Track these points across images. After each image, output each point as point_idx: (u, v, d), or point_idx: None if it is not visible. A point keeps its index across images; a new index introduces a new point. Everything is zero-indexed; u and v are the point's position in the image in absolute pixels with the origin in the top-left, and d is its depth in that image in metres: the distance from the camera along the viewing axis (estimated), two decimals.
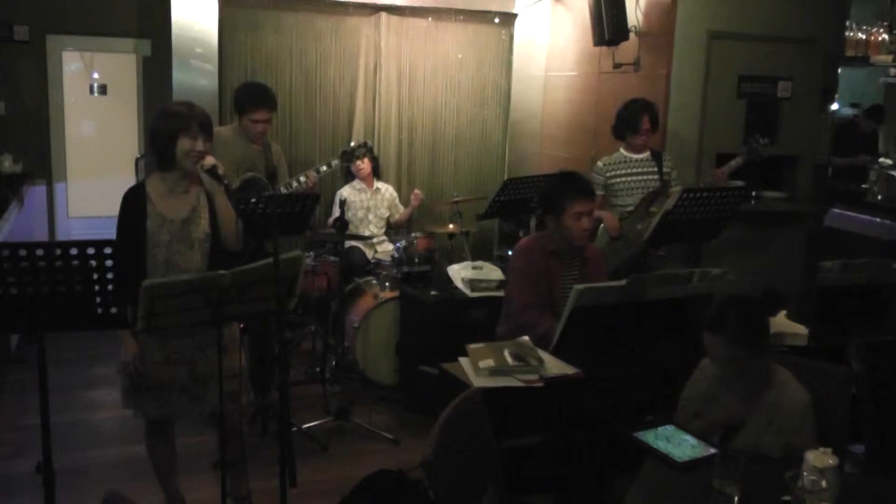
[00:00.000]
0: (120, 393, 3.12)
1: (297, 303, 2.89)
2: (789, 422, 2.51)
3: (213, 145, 3.00)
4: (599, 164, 4.58)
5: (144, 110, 6.17)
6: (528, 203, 4.78)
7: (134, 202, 2.97)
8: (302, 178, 4.31)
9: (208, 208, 3.01)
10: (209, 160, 2.89)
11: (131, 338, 2.89)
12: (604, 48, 5.33)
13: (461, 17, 6.11)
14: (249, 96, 4.26)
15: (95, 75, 6.15)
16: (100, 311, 2.36)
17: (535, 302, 3.49)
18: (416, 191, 5.64)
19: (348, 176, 5.60)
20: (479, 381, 2.83)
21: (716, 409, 2.65)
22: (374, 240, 5.44)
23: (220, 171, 2.87)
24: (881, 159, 6.80)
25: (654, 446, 2.41)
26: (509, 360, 2.95)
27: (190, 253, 2.97)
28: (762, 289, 3.14)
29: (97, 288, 2.33)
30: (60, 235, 6.07)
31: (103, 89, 6.18)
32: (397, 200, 5.65)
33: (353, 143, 4.81)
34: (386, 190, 5.61)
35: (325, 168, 4.43)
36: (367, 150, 4.77)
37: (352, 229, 5.16)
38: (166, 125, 2.94)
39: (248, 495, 3.36)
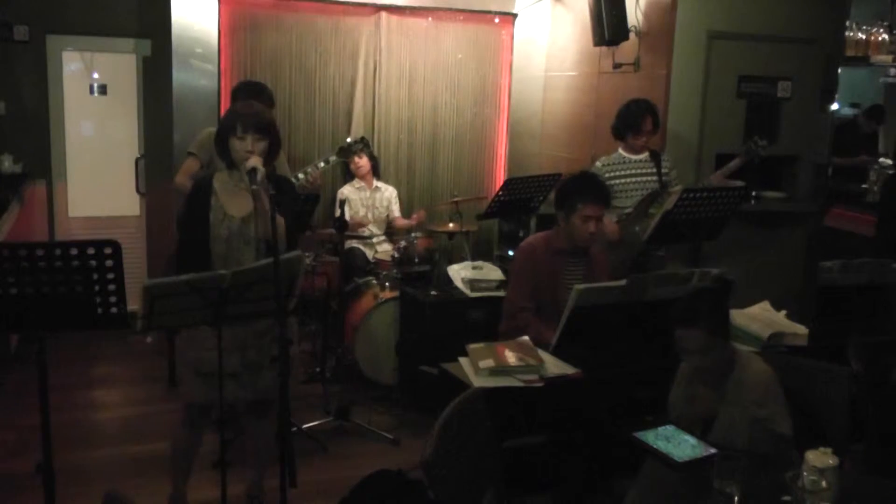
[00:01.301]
0: (179, 385, 3.08)
1: (297, 303, 2.89)
2: (752, 394, 2.57)
3: (267, 145, 2.96)
4: (598, 164, 4.57)
5: (144, 110, 6.16)
6: (528, 203, 4.78)
7: (200, 192, 3.02)
8: (301, 175, 4.31)
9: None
10: (251, 161, 2.84)
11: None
12: (604, 48, 5.33)
13: (461, 17, 6.10)
14: (247, 94, 4.25)
15: (95, 75, 6.13)
16: (100, 311, 2.36)
17: (528, 305, 3.49)
18: (420, 212, 5.61)
19: (347, 175, 5.59)
20: (479, 381, 2.84)
21: (694, 406, 2.71)
22: (374, 240, 5.44)
23: (259, 175, 2.79)
24: (881, 159, 6.80)
25: (654, 446, 2.41)
26: (509, 360, 2.95)
27: (247, 251, 2.99)
28: (711, 278, 3.20)
29: (97, 288, 2.32)
30: (60, 235, 6.06)
31: (103, 89, 6.15)
32: (395, 203, 5.64)
33: (349, 139, 4.80)
34: (385, 189, 5.60)
35: (322, 164, 4.43)
36: (364, 145, 4.75)
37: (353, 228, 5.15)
38: (222, 124, 3.00)
39: (259, 494, 3.37)
